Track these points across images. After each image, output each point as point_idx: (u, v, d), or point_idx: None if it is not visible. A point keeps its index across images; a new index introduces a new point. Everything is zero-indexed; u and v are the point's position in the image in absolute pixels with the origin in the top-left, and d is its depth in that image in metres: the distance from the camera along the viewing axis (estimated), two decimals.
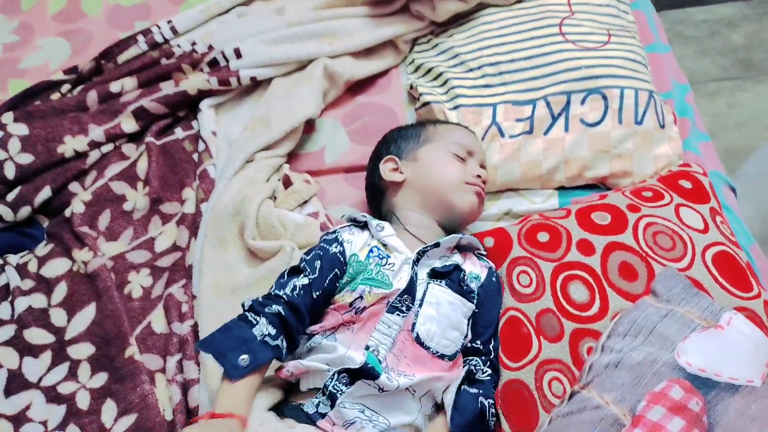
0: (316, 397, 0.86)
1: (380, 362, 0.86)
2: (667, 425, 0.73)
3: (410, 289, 0.91)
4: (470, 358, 0.95)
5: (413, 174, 1.05)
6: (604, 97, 1.13)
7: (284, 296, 0.88)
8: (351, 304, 0.90)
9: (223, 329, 0.86)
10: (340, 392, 0.84)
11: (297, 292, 0.89)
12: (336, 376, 0.85)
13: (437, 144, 1.06)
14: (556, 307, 0.95)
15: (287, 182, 1.17)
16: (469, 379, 0.93)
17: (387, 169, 1.06)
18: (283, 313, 0.86)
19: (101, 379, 1.05)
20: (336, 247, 0.96)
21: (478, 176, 1.04)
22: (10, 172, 1.24)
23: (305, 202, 1.17)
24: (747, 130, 1.99)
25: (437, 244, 0.96)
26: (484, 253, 1.04)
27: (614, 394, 0.79)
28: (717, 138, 1.88)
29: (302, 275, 0.91)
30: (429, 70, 1.28)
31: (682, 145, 1.15)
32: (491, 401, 0.92)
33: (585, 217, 1.02)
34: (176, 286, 1.12)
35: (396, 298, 0.89)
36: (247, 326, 0.85)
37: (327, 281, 0.91)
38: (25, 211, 1.24)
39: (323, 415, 0.85)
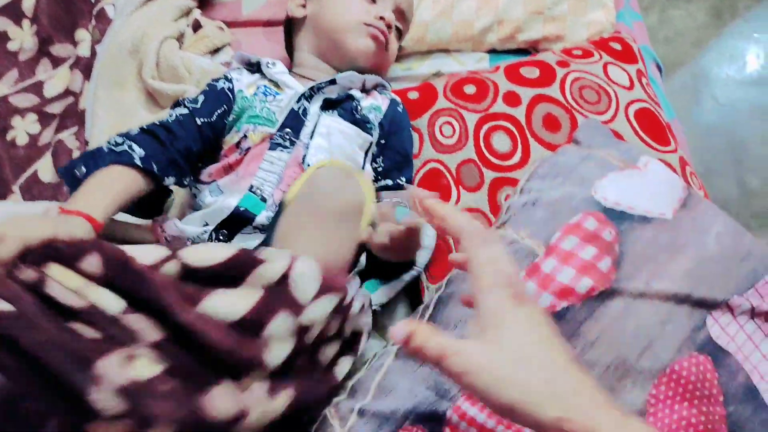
0: None
1: (265, 200, 0.80)
2: (579, 253, 0.72)
3: (292, 122, 0.84)
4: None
5: (314, 10, 0.95)
6: None
7: (157, 121, 0.80)
8: (237, 145, 0.83)
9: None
10: None
11: (173, 118, 0.81)
12: (214, 235, 0.78)
13: None
14: (477, 157, 0.91)
15: (197, 27, 1.06)
16: None
17: (294, 5, 0.97)
18: (149, 130, 0.77)
19: None
20: (223, 82, 0.88)
21: (382, 18, 0.93)
22: None
23: (217, 50, 1.06)
24: (675, 45, 2.01)
25: (333, 81, 0.89)
26: (388, 89, 0.96)
27: (530, 229, 0.76)
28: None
29: (180, 107, 0.83)
30: None
31: (615, 15, 1.12)
32: None
33: (514, 72, 0.98)
34: (67, 132, 1.00)
35: (277, 134, 0.83)
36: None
37: (214, 115, 0.84)
38: None
39: None
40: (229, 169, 0.83)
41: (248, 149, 0.82)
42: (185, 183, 0.82)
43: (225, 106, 0.86)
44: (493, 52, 1.10)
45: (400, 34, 1.01)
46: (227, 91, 0.87)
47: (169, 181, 0.78)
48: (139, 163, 0.73)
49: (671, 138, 0.93)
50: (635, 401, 0.66)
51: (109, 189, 0.70)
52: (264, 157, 0.82)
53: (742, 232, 0.76)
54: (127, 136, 0.77)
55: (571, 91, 0.94)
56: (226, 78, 0.89)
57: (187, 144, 0.80)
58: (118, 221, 0.80)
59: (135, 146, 0.75)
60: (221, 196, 0.81)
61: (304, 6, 0.97)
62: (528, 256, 0.74)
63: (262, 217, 0.78)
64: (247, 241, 0.77)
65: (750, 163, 1.70)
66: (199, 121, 0.82)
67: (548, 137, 0.91)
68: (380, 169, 0.90)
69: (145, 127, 0.79)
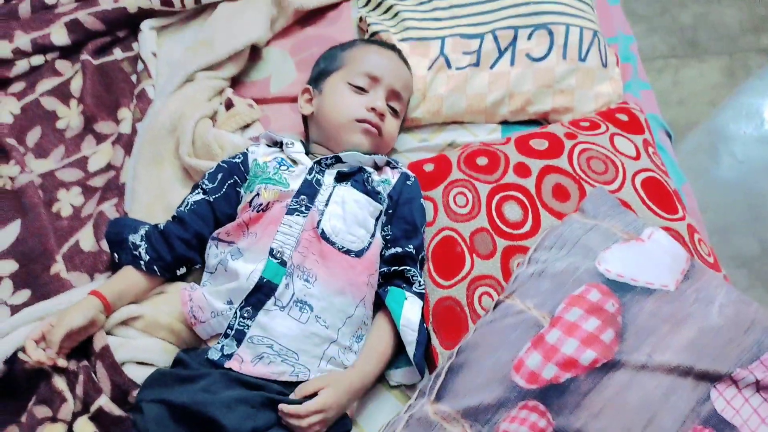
0: (219, 342, 0.85)
1: (284, 264, 0.86)
2: (582, 325, 0.75)
3: (306, 190, 0.92)
4: (406, 267, 0.94)
5: (317, 107, 1.05)
6: (550, 33, 1.14)
7: (174, 213, 0.97)
8: (250, 204, 0.92)
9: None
10: (246, 327, 0.84)
11: (187, 206, 0.96)
12: (238, 313, 0.85)
13: (342, 73, 1.04)
14: (490, 226, 0.96)
15: (229, 105, 1.15)
16: (408, 284, 0.93)
17: (302, 101, 1.07)
18: (163, 230, 0.95)
19: (24, 295, 1.01)
20: (238, 157, 1.01)
21: (373, 110, 1.00)
22: None
23: (247, 126, 1.14)
24: (689, 106, 2.05)
25: (338, 158, 0.97)
26: (399, 165, 1.04)
27: (536, 300, 0.80)
28: (662, 113, 1.95)
29: (197, 190, 0.98)
30: (379, 3, 1.27)
31: (623, 86, 1.18)
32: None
33: (524, 144, 1.03)
34: (108, 204, 1.08)
35: (293, 200, 0.91)
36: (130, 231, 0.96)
37: (225, 186, 0.97)
38: None
39: (230, 356, 0.84)
40: (245, 227, 0.90)
41: (260, 205, 0.90)
42: (196, 267, 0.96)
43: (236, 177, 0.98)
44: (504, 123, 1.16)
45: (398, 113, 1.07)
46: (240, 164, 1.00)
47: (181, 271, 0.96)
48: (143, 268, 0.93)
49: (679, 206, 0.96)
50: None
51: (123, 281, 0.94)
52: (282, 221, 0.89)
53: (746, 303, 0.78)
54: (147, 237, 0.95)
55: (579, 161, 0.99)
56: (242, 154, 1.01)
57: (199, 230, 0.95)
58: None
59: (143, 252, 0.94)
60: (241, 260, 0.88)
61: (310, 102, 1.06)
62: (534, 326, 0.78)
63: (281, 288, 0.84)
64: (272, 319, 0.84)
65: None
66: (211, 199, 0.95)
67: (558, 206, 0.95)
68: (389, 236, 0.96)
69: (161, 227, 0.96)
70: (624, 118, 1.08)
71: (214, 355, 0.84)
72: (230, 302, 0.86)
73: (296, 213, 0.90)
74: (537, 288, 0.81)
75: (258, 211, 0.90)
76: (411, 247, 0.94)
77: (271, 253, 0.87)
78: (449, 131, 1.16)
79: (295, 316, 0.85)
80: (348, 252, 0.90)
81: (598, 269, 0.79)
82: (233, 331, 0.85)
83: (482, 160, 1.02)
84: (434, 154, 1.14)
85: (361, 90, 1.02)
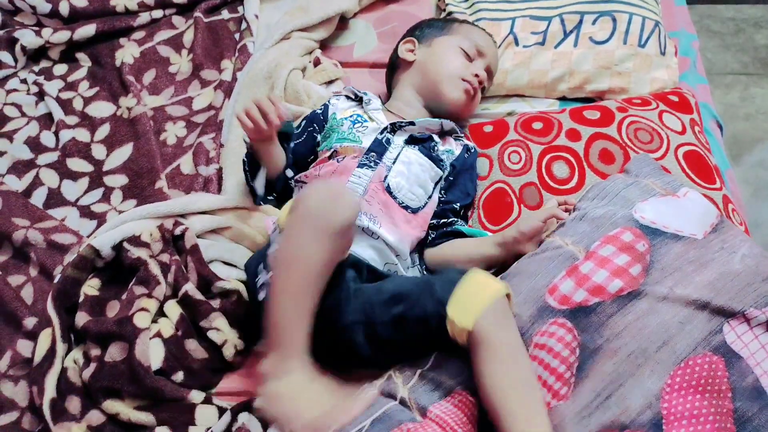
0: None
1: None
2: (614, 259, 0.85)
3: (376, 148, 1.04)
4: (455, 219, 1.05)
5: (423, 57, 1.16)
6: (614, 20, 1.24)
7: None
8: (329, 158, 1.05)
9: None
10: None
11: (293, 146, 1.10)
12: None
13: (453, 37, 1.17)
14: (539, 181, 1.06)
15: (317, 63, 1.30)
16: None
17: (404, 48, 1.19)
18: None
19: (131, 204, 1.18)
20: (320, 109, 1.14)
21: (476, 76, 1.13)
22: (64, 10, 1.42)
23: (331, 82, 1.29)
24: (756, 122, 2.05)
25: (412, 123, 1.09)
26: (462, 136, 1.15)
27: (574, 238, 0.90)
28: (726, 126, 1.97)
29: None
30: None
31: (678, 76, 1.26)
32: None
33: (577, 113, 1.14)
34: (206, 137, 1.25)
35: (364, 156, 1.03)
36: None
37: (305, 133, 1.11)
38: (63, 36, 1.39)
39: None
40: (324, 176, 1.02)
41: (337, 160, 1.03)
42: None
43: (315, 125, 1.12)
44: (563, 99, 1.27)
45: (485, 89, 1.20)
46: (320, 114, 1.13)
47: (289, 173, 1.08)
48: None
49: (717, 178, 1.04)
50: (652, 387, 0.76)
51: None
52: (353, 173, 1.01)
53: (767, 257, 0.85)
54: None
55: (626, 131, 1.08)
56: (323, 105, 1.14)
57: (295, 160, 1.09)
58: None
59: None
60: None
61: (412, 51, 1.18)
62: (570, 258, 0.87)
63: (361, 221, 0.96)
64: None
65: None
66: (293, 144, 1.10)
67: (603, 168, 1.05)
68: (443, 199, 1.07)
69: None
70: (675, 99, 1.16)
71: None
72: None
73: (366, 167, 1.02)
74: (576, 229, 0.91)
75: (333, 161, 1.03)
76: (459, 205, 1.06)
77: None
78: (511, 103, 1.27)
79: (366, 240, 0.97)
80: (406, 207, 1.01)
81: (634, 216, 0.88)
82: None
83: (537, 125, 1.13)
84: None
85: (468, 57, 1.15)
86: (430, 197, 1.05)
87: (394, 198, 1.01)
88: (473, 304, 0.77)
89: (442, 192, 1.07)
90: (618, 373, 0.78)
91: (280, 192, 1.09)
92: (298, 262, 0.80)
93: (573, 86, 1.24)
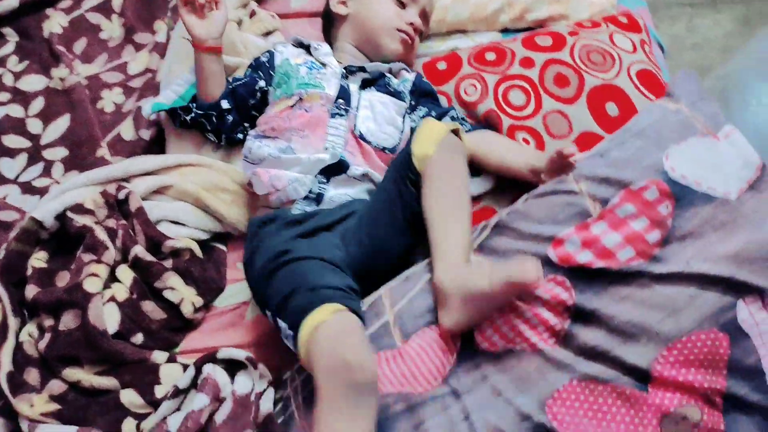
0: (298, 203, 0.94)
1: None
2: (631, 222, 0.77)
3: (342, 95, 1.00)
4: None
5: (355, 9, 1.13)
6: None
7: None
8: (293, 106, 0.99)
9: None
10: (324, 190, 0.94)
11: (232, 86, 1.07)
12: (316, 179, 0.94)
13: None
14: (497, 108, 1.04)
15: (252, 15, 1.25)
16: None
17: (336, 1, 1.15)
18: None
19: (74, 176, 1.11)
20: (265, 55, 1.09)
21: (411, 24, 1.10)
22: None
23: (269, 33, 1.24)
24: (702, 51, 2.06)
25: (363, 68, 1.05)
26: (410, 69, 1.12)
27: (589, 183, 0.81)
28: (674, 57, 1.98)
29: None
30: None
31: None
32: None
33: (530, 41, 1.11)
34: (145, 101, 1.18)
35: (333, 105, 0.99)
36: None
37: (247, 77, 1.07)
38: None
39: (312, 215, 0.93)
40: (293, 129, 0.97)
41: (303, 108, 0.98)
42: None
43: (260, 72, 1.07)
44: (505, 31, 1.24)
45: (422, 33, 1.17)
46: (266, 63, 1.08)
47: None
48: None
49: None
50: (640, 359, 0.73)
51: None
52: (328, 124, 0.98)
53: None
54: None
55: (579, 54, 1.06)
56: (269, 51, 1.10)
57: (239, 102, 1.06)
58: None
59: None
60: (298, 155, 0.95)
61: (344, 4, 1.14)
62: (582, 213, 0.80)
63: (353, 169, 0.94)
64: (346, 188, 0.95)
65: None
66: (232, 86, 1.06)
67: (558, 92, 1.03)
68: (420, 116, 1.04)
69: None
70: (624, 20, 1.15)
71: (297, 211, 0.93)
72: (304, 173, 0.95)
73: (338, 116, 0.99)
74: (594, 168, 0.82)
75: (307, 111, 0.98)
76: (436, 113, 1.04)
77: (326, 150, 0.96)
78: (454, 39, 1.24)
79: (363, 185, 0.97)
80: (384, 149, 0.99)
81: (665, 166, 0.79)
82: (314, 195, 0.94)
83: (491, 56, 1.11)
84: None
85: (400, 4, 1.11)
86: (402, 131, 1.03)
87: (369, 143, 0.99)
88: (430, 138, 0.86)
89: (413, 119, 1.05)
90: (609, 337, 0.74)
91: (215, 127, 1.07)
92: None
93: (513, 17, 1.22)
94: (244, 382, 0.85)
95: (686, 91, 0.88)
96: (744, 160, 0.81)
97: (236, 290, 0.99)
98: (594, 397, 0.73)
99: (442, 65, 1.14)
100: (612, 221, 0.78)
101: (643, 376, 0.73)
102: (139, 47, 1.29)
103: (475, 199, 1.00)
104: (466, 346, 0.79)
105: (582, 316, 0.76)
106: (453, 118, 1.04)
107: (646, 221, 0.77)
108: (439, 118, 1.03)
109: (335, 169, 0.95)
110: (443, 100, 1.10)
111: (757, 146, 0.82)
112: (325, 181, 0.95)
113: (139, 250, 0.94)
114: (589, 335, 0.75)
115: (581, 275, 0.77)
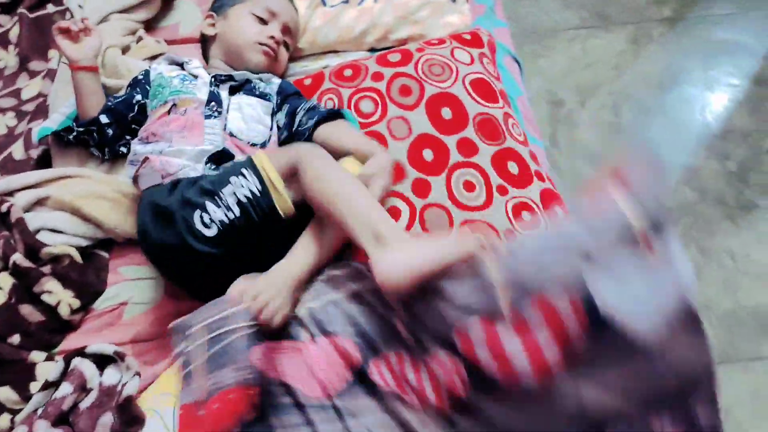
0: None
1: None
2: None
3: (214, 98, 1.12)
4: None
5: (222, 30, 1.25)
6: None
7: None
8: (169, 112, 1.10)
9: None
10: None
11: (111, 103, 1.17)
12: (206, 166, 1.02)
13: (245, 5, 1.25)
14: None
15: (140, 41, 1.36)
16: None
17: (206, 24, 1.27)
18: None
19: None
20: (141, 74, 1.20)
21: (272, 37, 1.22)
22: None
23: (155, 57, 1.35)
24: (596, 69, 2.26)
25: (231, 77, 1.17)
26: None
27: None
28: (571, 75, 2.18)
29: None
30: None
31: (472, 20, 1.40)
32: None
33: (382, 58, 1.25)
34: (35, 123, 1.27)
35: (206, 108, 1.10)
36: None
37: (126, 95, 1.17)
38: None
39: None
40: (172, 131, 1.06)
41: (177, 112, 1.09)
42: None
43: (138, 88, 1.18)
44: (372, 50, 1.38)
45: (288, 46, 1.30)
46: (142, 80, 1.19)
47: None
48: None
49: (501, 100, 1.18)
50: None
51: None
52: (204, 125, 1.08)
53: None
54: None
55: (422, 68, 1.20)
56: (144, 71, 1.20)
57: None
58: None
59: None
60: (183, 147, 1.03)
61: (213, 25, 1.27)
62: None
63: (239, 158, 1.03)
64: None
65: None
66: (112, 104, 1.16)
67: (401, 100, 1.16)
68: (283, 122, 1.15)
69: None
70: (468, 37, 1.30)
71: None
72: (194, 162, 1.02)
73: (212, 117, 1.10)
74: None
75: (182, 115, 1.08)
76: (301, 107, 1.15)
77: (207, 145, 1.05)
78: (326, 59, 1.37)
79: None
80: (254, 145, 1.11)
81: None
82: None
83: (348, 72, 1.24)
84: None
85: (262, 21, 1.24)
86: (271, 128, 1.14)
87: (240, 140, 1.10)
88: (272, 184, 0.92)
89: (281, 116, 1.16)
90: None
91: (97, 142, 1.17)
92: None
93: (377, 38, 1.36)
94: (112, 374, 0.93)
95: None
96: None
97: (115, 292, 1.08)
98: None
99: (308, 81, 1.27)
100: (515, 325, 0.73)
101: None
102: (33, 74, 1.38)
103: None
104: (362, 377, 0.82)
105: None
106: (310, 109, 1.13)
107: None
108: (296, 110, 1.14)
109: (222, 158, 1.03)
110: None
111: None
112: (215, 167, 1.02)
113: (17, 257, 1.02)
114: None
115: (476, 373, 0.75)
